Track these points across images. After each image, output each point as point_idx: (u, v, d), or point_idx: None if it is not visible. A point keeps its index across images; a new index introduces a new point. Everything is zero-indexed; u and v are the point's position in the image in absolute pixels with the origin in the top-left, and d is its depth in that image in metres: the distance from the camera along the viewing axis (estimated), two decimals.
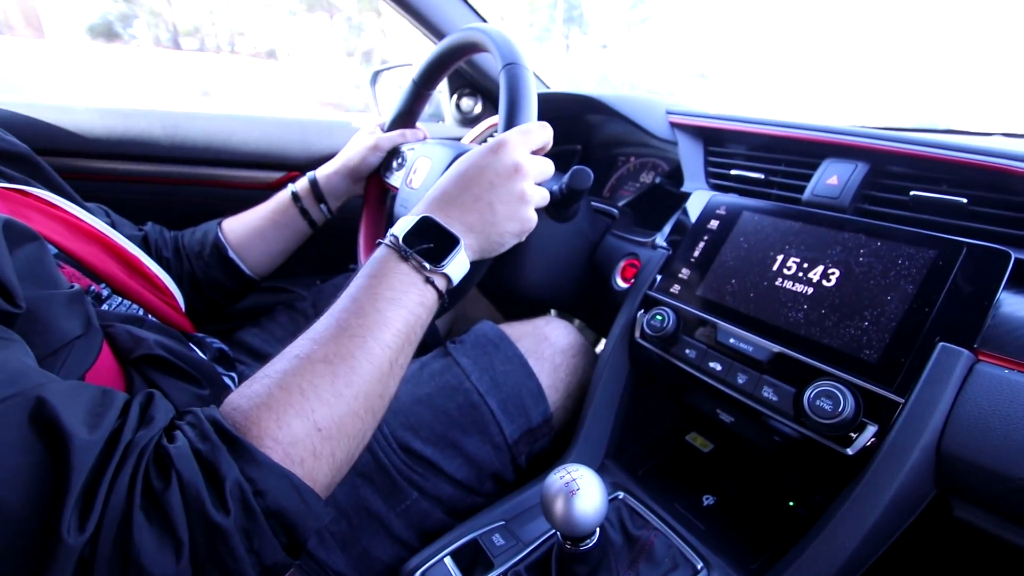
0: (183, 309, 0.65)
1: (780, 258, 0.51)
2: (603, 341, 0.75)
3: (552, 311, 1.13)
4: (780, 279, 0.50)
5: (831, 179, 0.54)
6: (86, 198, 0.63)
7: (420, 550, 0.51)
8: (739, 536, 0.51)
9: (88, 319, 0.41)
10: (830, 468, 0.44)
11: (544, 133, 0.50)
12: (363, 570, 0.53)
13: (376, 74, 1.24)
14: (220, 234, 0.74)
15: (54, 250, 0.52)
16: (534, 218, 0.49)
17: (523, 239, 0.50)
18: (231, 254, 0.74)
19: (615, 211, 0.77)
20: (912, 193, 0.50)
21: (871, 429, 0.40)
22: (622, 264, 0.68)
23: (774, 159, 0.63)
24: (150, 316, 0.60)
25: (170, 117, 0.99)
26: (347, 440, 0.36)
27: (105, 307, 0.55)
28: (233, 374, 0.62)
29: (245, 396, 0.35)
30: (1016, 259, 0.40)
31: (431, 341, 0.85)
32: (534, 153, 0.50)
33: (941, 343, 0.39)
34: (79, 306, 0.40)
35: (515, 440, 0.59)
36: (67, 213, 0.55)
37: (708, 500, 0.55)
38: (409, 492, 0.54)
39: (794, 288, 0.49)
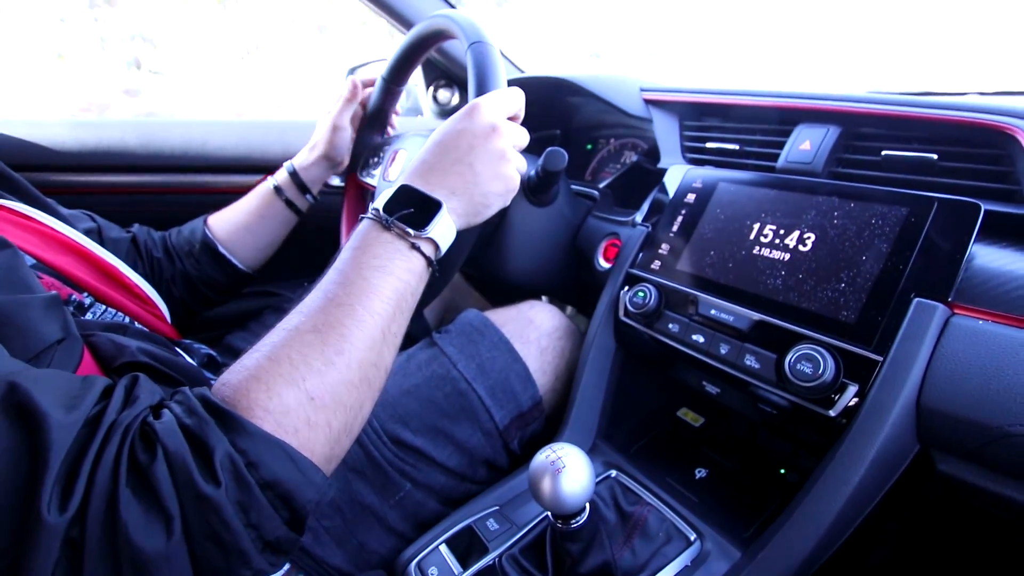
0: (167, 317, 0.65)
1: (757, 226, 0.51)
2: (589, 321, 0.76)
3: (543, 298, 1.14)
4: (757, 247, 0.50)
5: (804, 144, 0.54)
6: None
7: (416, 540, 0.51)
8: (732, 506, 0.51)
9: (67, 325, 0.40)
10: (816, 432, 0.45)
11: (516, 97, 0.50)
12: (360, 564, 0.53)
13: (352, 70, 1.23)
14: (208, 231, 0.74)
15: (31, 261, 0.51)
16: (516, 177, 0.49)
17: (507, 201, 0.49)
18: (221, 249, 0.74)
19: (596, 193, 0.77)
20: (884, 153, 0.50)
21: (852, 389, 0.40)
22: (604, 244, 0.68)
23: (748, 129, 0.63)
24: (135, 324, 0.59)
25: (144, 126, 0.98)
26: (343, 410, 0.36)
27: (89, 316, 0.55)
28: None
29: (234, 371, 0.35)
30: (986, 211, 0.40)
31: (421, 333, 0.85)
32: (509, 119, 0.49)
33: (916, 299, 0.39)
34: (57, 310, 0.40)
35: (505, 425, 0.59)
36: (42, 225, 0.54)
37: (700, 473, 0.56)
38: (402, 484, 0.54)
39: (771, 255, 0.49)
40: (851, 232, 0.45)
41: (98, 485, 0.26)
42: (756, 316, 0.47)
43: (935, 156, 0.47)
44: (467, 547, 0.49)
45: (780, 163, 0.56)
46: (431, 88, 1.18)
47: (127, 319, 0.59)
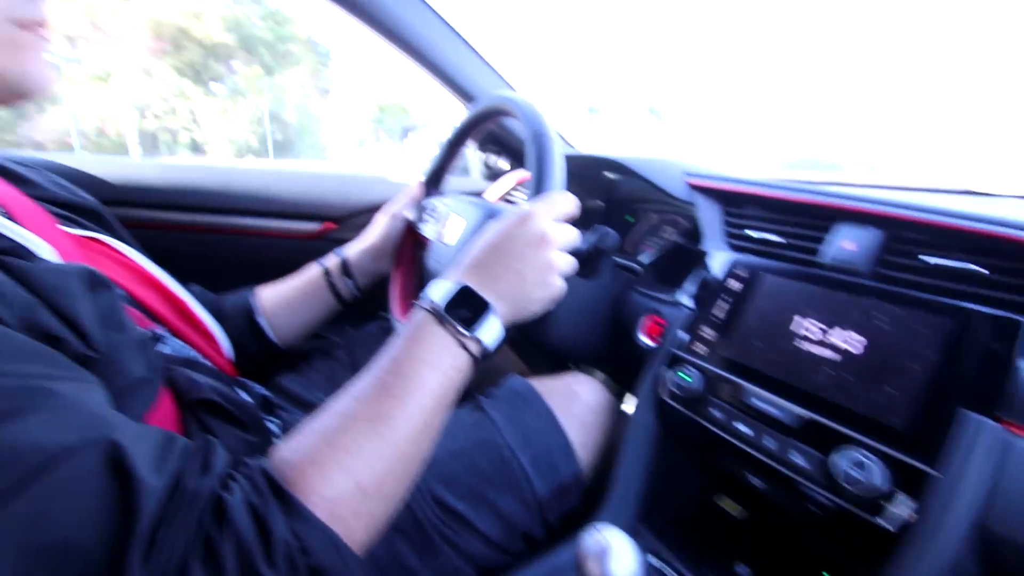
0: (229, 356, 0.69)
1: (801, 321, 0.53)
2: (627, 396, 0.76)
3: (570, 364, 1.15)
4: (802, 342, 0.52)
5: (847, 243, 0.56)
6: (141, 246, 0.67)
7: None
8: None
9: (151, 362, 0.44)
10: (866, 540, 0.44)
11: (568, 203, 0.53)
12: None
13: (406, 131, 1.31)
14: (253, 300, 0.79)
15: (120, 293, 0.55)
16: (560, 285, 0.51)
17: (551, 307, 0.53)
18: (260, 319, 0.78)
19: (637, 267, 0.80)
20: (926, 259, 0.51)
21: (904, 499, 0.40)
22: (645, 320, 0.70)
23: (787, 220, 0.65)
24: (203, 359, 0.63)
25: (221, 171, 1.07)
26: (385, 500, 0.38)
27: (164, 348, 0.58)
28: (276, 420, 0.65)
29: (293, 450, 0.37)
30: None
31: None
32: (559, 221, 0.52)
33: (967, 412, 0.40)
34: (145, 350, 0.43)
35: (545, 497, 0.59)
36: (130, 260, 0.59)
37: (742, 570, 0.55)
38: (442, 548, 0.55)
39: (816, 352, 0.50)
40: (897, 336, 0.46)
41: (172, 553, 0.28)
42: (803, 412, 0.48)
43: (981, 269, 0.48)
44: None
45: (822, 259, 0.58)
46: (481, 151, 1.26)
47: (195, 354, 0.62)
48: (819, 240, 0.59)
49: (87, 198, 0.61)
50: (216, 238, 1.05)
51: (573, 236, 0.53)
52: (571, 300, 0.73)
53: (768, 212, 0.68)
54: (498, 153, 1.25)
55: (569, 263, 0.53)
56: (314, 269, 0.83)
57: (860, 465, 0.42)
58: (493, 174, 1.26)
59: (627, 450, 0.60)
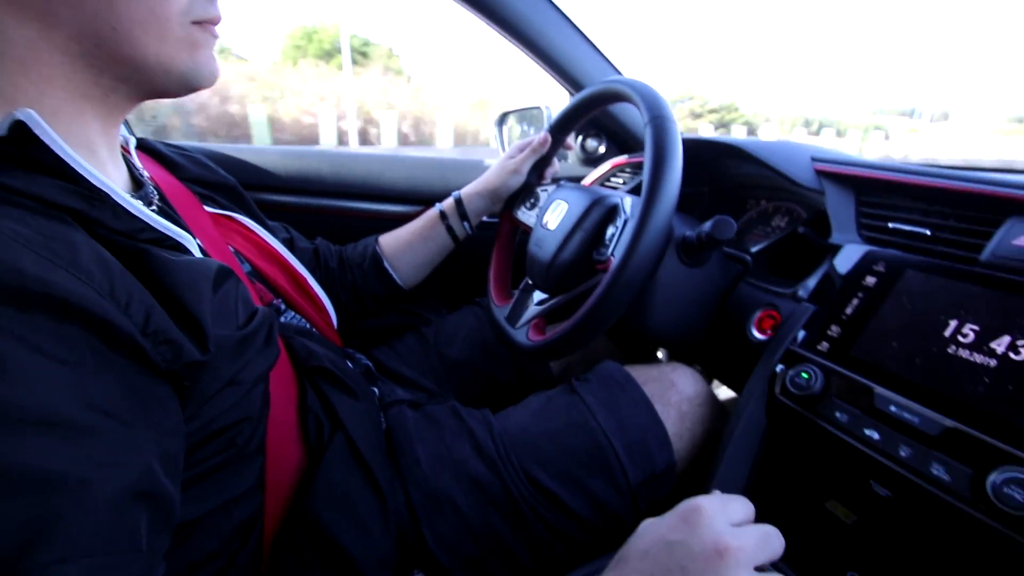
0: (335, 325, 0.75)
1: (954, 323, 0.47)
2: (723, 389, 0.72)
3: (659, 353, 1.11)
4: (954, 347, 0.46)
5: (1019, 240, 0.49)
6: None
7: None
8: None
9: (271, 333, 0.46)
10: (1014, 564, 0.39)
11: (745, 507, 0.39)
12: None
13: (504, 116, 1.33)
14: (378, 247, 0.84)
15: (248, 268, 0.61)
16: None
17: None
18: (386, 264, 0.84)
19: (748, 258, 0.76)
20: None
21: None
22: (759, 314, 0.66)
23: (941, 213, 0.58)
24: (314, 329, 0.69)
25: (336, 157, 1.15)
26: None
27: (283, 319, 0.65)
28: (375, 388, 0.70)
29: None
30: None
31: (542, 379, 0.88)
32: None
33: None
34: (266, 322, 0.45)
35: (638, 485, 0.59)
36: (259, 236, 0.65)
37: None
38: (535, 524, 0.56)
39: (973, 358, 0.45)
40: None
41: None
42: (949, 423, 0.43)
43: None
44: None
45: (985, 256, 0.51)
46: (580, 136, 1.25)
47: (308, 325, 0.69)
48: (984, 235, 0.52)
49: (227, 177, 0.68)
50: (333, 219, 1.14)
51: (768, 552, 0.36)
52: (675, 289, 0.71)
53: (917, 203, 0.61)
54: (596, 137, 1.23)
55: None
56: (431, 212, 0.87)
57: (1022, 485, 0.37)
58: (591, 160, 1.25)
59: (731, 448, 0.58)
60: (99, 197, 0.35)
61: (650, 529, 0.38)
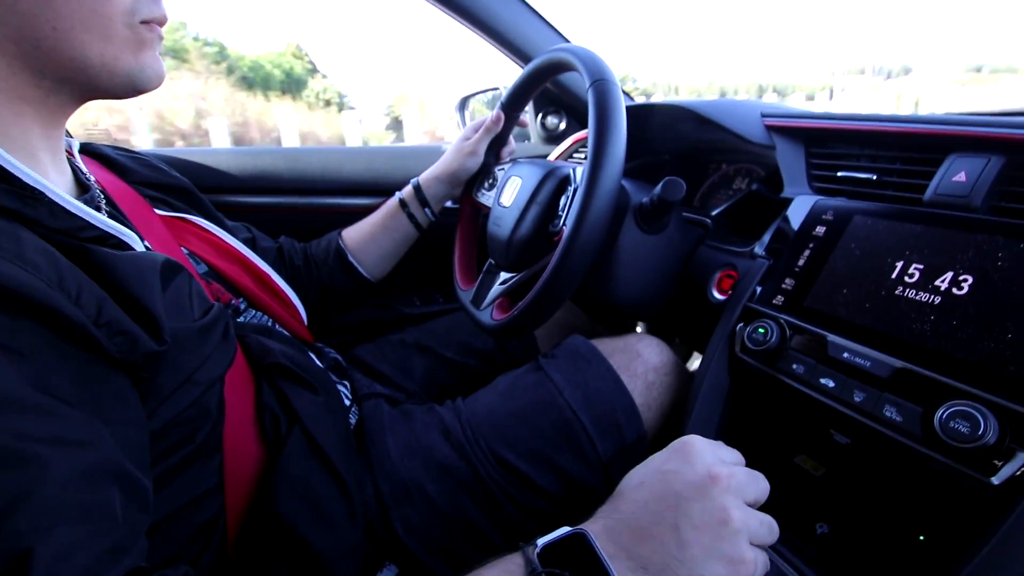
0: (305, 321, 0.74)
1: (900, 265, 0.47)
2: (695, 357, 0.73)
3: (638, 326, 1.12)
4: (901, 288, 0.46)
5: (958, 176, 0.49)
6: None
7: None
8: (860, 569, 0.47)
9: (227, 331, 0.45)
10: (969, 498, 0.40)
11: (735, 453, 0.40)
12: None
13: (464, 99, 1.31)
14: (341, 242, 0.83)
15: (205, 268, 0.60)
16: (750, 559, 0.33)
17: None
18: (350, 258, 0.82)
19: (708, 221, 0.75)
20: None
21: (1022, 456, 0.35)
22: (718, 275, 0.66)
23: (887, 157, 0.58)
24: (277, 327, 0.68)
25: (291, 153, 1.13)
26: None
27: (241, 319, 0.63)
28: (346, 382, 0.69)
29: None
30: None
31: (528, 351, 0.88)
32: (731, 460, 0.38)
33: None
34: (220, 322, 0.44)
35: (609, 457, 0.59)
36: (216, 236, 0.63)
37: (822, 528, 0.52)
38: (505, 505, 0.56)
39: (918, 297, 0.45)
40: (1020, 276, 0.40)
41: None
42: (899, 364, 0.43)
43: None
44: None
45: (928, 195, 0.51)
46: (539, 114, 1.23)
47: (271, 322, 0.67)
48: (927, 175, 0.52)
49: (179, 179, 0.66)
50: (293, 217, 1.12)
51: (759, 490, 0.37)
52: (638, 257, 0.70)
53: (863, 148, 0.61)
54: (556, 114, 1.22)
55: (765, 525, 0.35)
56: (392, 202, 0.85)
57: (968, 418, 0.37)
58: (552, 137, 1.24)
59: (697, 410, 0.58)
60: (33, 196, 0.34)
61: (644, 465, 0.39)
